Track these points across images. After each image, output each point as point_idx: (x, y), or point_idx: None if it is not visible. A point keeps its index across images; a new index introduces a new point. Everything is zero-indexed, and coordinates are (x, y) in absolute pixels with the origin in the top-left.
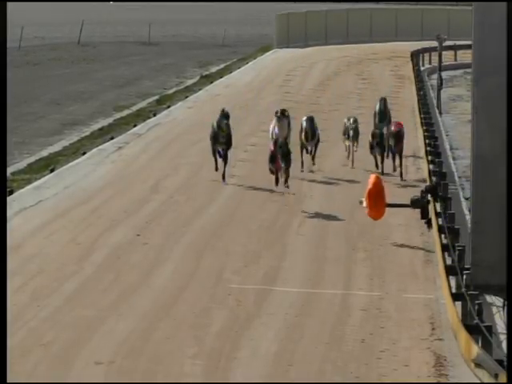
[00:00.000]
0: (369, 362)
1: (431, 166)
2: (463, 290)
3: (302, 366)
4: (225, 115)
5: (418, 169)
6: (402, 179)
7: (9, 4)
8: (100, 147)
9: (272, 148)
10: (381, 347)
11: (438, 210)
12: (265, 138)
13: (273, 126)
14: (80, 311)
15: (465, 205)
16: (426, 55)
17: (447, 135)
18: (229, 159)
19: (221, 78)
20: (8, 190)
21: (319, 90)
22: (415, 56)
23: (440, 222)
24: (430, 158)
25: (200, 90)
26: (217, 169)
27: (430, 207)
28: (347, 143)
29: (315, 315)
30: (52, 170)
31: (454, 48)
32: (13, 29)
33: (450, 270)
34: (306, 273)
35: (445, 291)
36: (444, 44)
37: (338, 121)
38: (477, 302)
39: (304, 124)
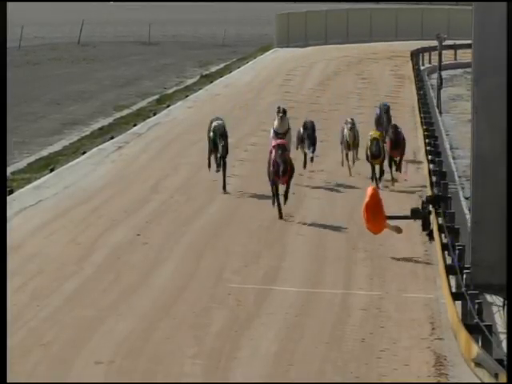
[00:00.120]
0: (369, 362)
1: (431, 166)
2: (463, 289)
3: (302, 366)
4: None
5: (417, 168)
6: (392, 183)
7: (9, 4)
8: (100, 147)
9: (272, 155)
10: (381, 347)
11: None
12: (265, 138)
13: (273, 127)
14: (80, 311)
15: (465, 204)
16: (426, 55)
17: (447, 135)
18: (227, 168)
19: (221, 77)
20: (8, 189)
21: (319, 90)
22: (415, 55)
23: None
24: (429, 157)
25: (200, 89)
26: (210, 165)
27: (432, 218)
28: (345, 152)
29: (315, 315)
30: (52, 170)
31: (454, 47)
32: (13, 28)
33: (449, 270)
34: (305, 272)
35: (445, 291)
36: (444, 43)
37: (337, 121)
38: (477, 301)
39: (302, 131)
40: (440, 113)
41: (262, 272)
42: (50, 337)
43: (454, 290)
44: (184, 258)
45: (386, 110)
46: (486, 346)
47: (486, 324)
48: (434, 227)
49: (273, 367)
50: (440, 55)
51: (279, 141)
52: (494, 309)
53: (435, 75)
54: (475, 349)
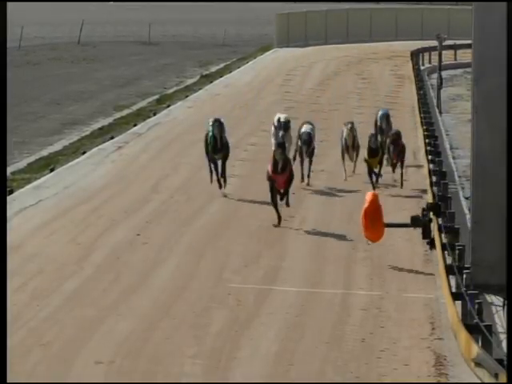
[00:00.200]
0: (369, 362)
1: (431, 166)
2: (463, 289)
3: (302, 366)
4: (217, 123)
5: (417, 167)
6: (401, 186)
7: (9, 4)
8: (100, 147)
9: (271, 170)
10: (381, 347)
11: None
12: (265, 138)
13: (274, 136)
14: (80, 311)
15: (465, 204)
16: (426, 55)
17: (447, 134)
18: (226, 173)
19: (221, 77)
20: (8, 189)
21: (319, 90)
22: (415, 55)
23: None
24: (429, 157)
25: (200, 89)
26: (212, 181)
27: (433, 226)
28: (345, 158)
29: (315, 315)
30: (52, 170)
31: (454, 47)
32: (13, 28)
33: (450, 270)
34: (306, 272)
35: (445, 291)
36: (444, 43)
37: (337, 120)
38: (477, 301)
39: (302, 130)
40: (440, 113)
41: (262, 272)
42: (50, 337)
43: (453, 289)
44: (184, 258)
45: (386, 117)
46: (486, 345)
47: (485, 324)
48: (435, 234)
49: (273, 367)
50: (440, 55)
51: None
52: (494, 309)
53: (435, 75)
54: (475, 349)
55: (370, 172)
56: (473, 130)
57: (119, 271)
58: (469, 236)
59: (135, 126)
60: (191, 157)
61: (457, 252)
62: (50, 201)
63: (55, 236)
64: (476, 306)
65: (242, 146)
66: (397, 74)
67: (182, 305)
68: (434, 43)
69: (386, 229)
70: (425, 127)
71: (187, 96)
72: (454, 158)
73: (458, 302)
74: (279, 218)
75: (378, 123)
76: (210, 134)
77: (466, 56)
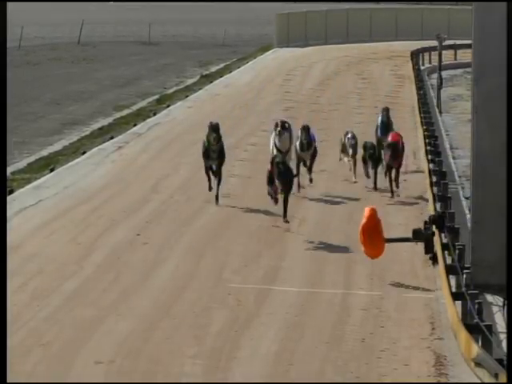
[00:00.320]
0: (369, 362)
1: (431, 166)
2: (463, 289)
3: (302, 366)
4: (213, 128)
5: (417, 167)
6: (392, 196)
7: (9, 4)
8: (100, 147)
9: (270, 168)
10: (381, 347)
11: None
12: (265, 138)
13: (273, 140)
14: (80, 311)
15: (465, 204)
16: (426, 55)
17: (447, 134)
18: (222, 178)
19: (221, 77)
20: (8, 189)
21: (319, 90)
22: (415, 55)
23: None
24: (429, 157)
25: (200, 89)
26: (210, 189)
27: (436, 240)
28: (346, 159)
29: (315, 315)
30: (52, 170)
31: (454, 47)
32: (13, 28)
33: (450, 270)
34: (306, 272)
35: (445, 290)
36: (444, 43)
37: (337, 120)
38: (477, 301)
39: (299, 134)
40: (440, 113)
41: (262, 272)
42: (50, 337)
43: (454, 289)
44: (184, 258)
45: (386, 116)
46: (486, 345)
47: (485, 324)
48: (438, 249)
49: (273, 367)
50: (440, 55)
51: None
52: (494, 309)
53: (435, 75)
54: (475, 348)
55: (367, 172)
56: (473, 130)
57: (119, 271)
58: (469, 236)
59: (135, 126)
60: (191, 157)
61: (457, 252)
62: (50, 201)
63: (55, 236)
64: (476, 306)
65: (242, 146)
66: (397, 74)
67: (182, 305)
68: (434, 43)
69: (386, 229)
70: (425, 127)
71: (187, 96)
72: (453, 157)
73: (458, 302)
74: (275, 199)
75: (380, 119)
76: (205, 139)
77: (466, 56)
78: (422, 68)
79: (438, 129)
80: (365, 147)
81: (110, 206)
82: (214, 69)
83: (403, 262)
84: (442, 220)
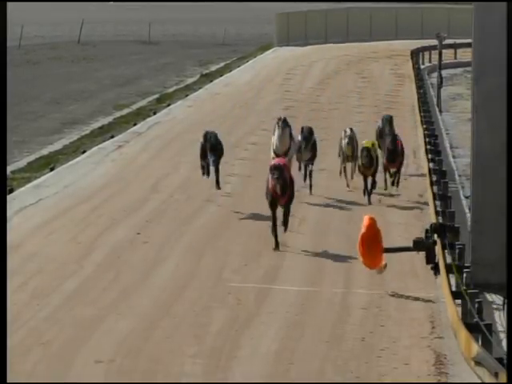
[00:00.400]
0: (369, 361)
1: (431, 165)
2: (463, 288)
3: (302, 365)
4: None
5: (417, 167)
6: (385, 188)
7: (9, 3)
8: (100, 146)
9: (271, 184)
10: (381, 346)
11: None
12: (265, 137)
13: (274, 137)
14: (80, 310)
15: (465, 203)
16: (426, 54)
17: (447, 134)
18: (220, 170)
19: (221, 76)
20: (8, 188)
21: (319, 89)
22: (415, 54)
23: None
24: (429, 156)
25: (200, 88)
26: (204, 173)
27: (437, 249)
28: (343, 165)
29: (315, 314)
30: (52, 169)
31: (454, 46)
32: (13, 28)
33: (450, 269)
34: (306, 271)
35: (445, 290)
36: (444, 42)
37: (337, 120)
38: (477, 300)
39: (299, 137)
40: (440, 112)
41: (262, 271)
42: (50, 336)
43: (453, 288)
44: (184, 257)
45: (389, 121)
46: (486, 344)
47: (485, 323)
48: (440, 259)
49: (273, 366)
50: (440, 54)
51: (276, 160)
52: (494, 308)
53: (435, 74)
54: (475, 348)
55: (365, 181)
56: (473, 129)
57: (119, 270)
58: (469, 235)
59: (135, 125)
60: (191, 156)
61: (457, 251)
62: (50, 200)
63: (55, 235)
64: (476, 305)
65: (242, 145)
66: (397, 73)
67: (182, 304)
68: (434, 42)
69: (386, 229)
70: (425, 126)
71: (187, 95)
72: (453, 157)
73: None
74: (276, 239)
75: (381, 126)
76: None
77: (466, 55)
78: (422, 67)
79: (437, 128)
80: (361, 154)
81: (110, 205)
82: (214, 68)
83: (403, 261)
84: (443, 229)
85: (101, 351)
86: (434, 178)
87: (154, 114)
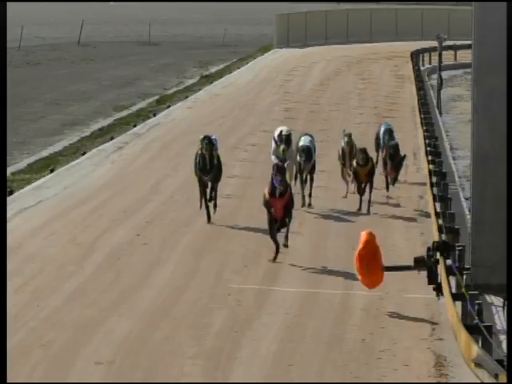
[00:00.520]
0: (369, 362)
1: (431, 166)
2: (463, 290)
3: (302, 366)
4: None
5: (418, 168)
6: (387, 190)
7: (9, 4)
8: (100, 147)
9: (268, 194)
10: (381, 347)
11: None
12: (265, 138)
13: (275, 153)
14: (80, 311)
15: (465, 205)
16: (426, 55)
17: (447, 135)
18: (218, 195)
19: (221, 77)
20: (8, 190)
21: (319, 90)
22: (415, 56)
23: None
24: (430, 157)
25: (200, 89)
26: (201, 206)
27: (440, 269)
28: (344, 171)
29: (315, 315)
30: (52, 170)
31: (454, 48)
32: (13, 29)
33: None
34: (306, 273)
35: (445, 291)
36: (444, 44)
37: (337, 120)
38: (477, 301)
39: (300, 143)
40: (440, 113)
41: (262, 272)
42: (50, 337)
43: (454, 290)
44: (184, 258)
45: (389, 133)
46: (486, 346)
47: (485, 324)
48: (443, 279)
49: (273, 367)
50: (440, 56)
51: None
52: (494, 309)
53: (435, 75)
54: (475, 349)
55: (359, 187)
56: (473, 130)
57: (119, 271)
58: (469, 236)
59: (135, 126)
60: (191, 157)
61: (457, 253)
62: (50, 201)
63: (55, 236)
64: (476, 307)
65: (242, 146)
66: (397, 75)
67: (182, 305)
68: (434, 43)
69: (386, 232)
70: (425, 127)
71: (187, 96)
72: (454, 158)
73: (458, 303)
74: (277, 250)
75: (381, 137)
76: (199, 152)
77: (465, 56)
78: (421, 68)
79: (438, 129)
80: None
81: (110, 206)
82: (214, 69)
83: (403, 262)
84: (447, 247)
85: (101, 352)
86: (435, 180)
87: (154, 115)
